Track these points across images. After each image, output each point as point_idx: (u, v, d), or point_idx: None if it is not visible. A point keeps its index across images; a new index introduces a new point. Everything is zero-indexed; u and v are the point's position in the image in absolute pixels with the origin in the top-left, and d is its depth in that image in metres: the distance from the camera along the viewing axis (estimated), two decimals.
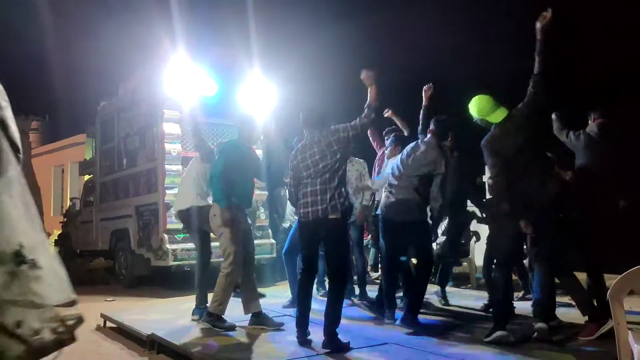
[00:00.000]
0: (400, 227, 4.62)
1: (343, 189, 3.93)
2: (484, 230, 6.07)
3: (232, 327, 4.48)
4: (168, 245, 7.31)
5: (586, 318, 4.21)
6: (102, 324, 5.34)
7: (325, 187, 3.89)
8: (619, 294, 2.64)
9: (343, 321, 3.97)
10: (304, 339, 3.95)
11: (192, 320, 4.90)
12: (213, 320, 4.48)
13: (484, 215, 5.76)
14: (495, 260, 4.52)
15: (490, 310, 4.78)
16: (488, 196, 5.99)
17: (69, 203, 12.86)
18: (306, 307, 4.02)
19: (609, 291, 2.65)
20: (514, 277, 5.44)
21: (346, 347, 3.78)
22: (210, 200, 5.10)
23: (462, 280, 7.25)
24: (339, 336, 3.83)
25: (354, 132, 3.95)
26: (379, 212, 5.07)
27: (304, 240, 4.14)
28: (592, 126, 4.60)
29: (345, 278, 4.11)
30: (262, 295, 6.18)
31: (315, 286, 5.54)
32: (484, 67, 12.72)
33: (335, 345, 3.76)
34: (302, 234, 4.15)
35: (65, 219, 11.59)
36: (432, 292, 5.96)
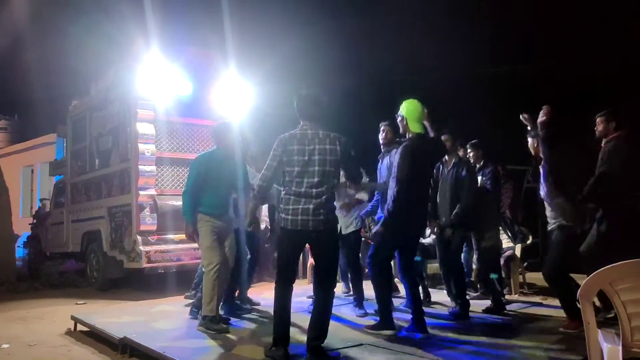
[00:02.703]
0: None
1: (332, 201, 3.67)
2: None
3: (225, 330, 4.42)
4: (141, 247, 7.20)
5: None
6: (72, 328, 5.24)
7: (325, 195, 3.55)
8: (588, 293, 2.70)
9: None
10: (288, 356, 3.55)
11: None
12: (206, 322, 4.47)
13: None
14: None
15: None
16: None
17: (38, 204, 12.57)
18: (288, 320, 3.64)
19: (578, 291, 2.70)
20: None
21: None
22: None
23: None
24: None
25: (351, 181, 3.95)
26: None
27: (290, 249, 3.70)
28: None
29: (335, 283, 3.79)
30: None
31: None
32: (464, 71, 12.88)
33: None
34: (288, 243, 3.68)
35: (34, 221, 11.33)
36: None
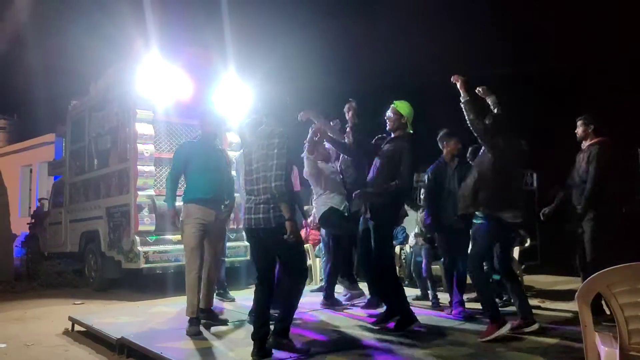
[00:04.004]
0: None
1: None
2: None
3: (196, 333, 4.38)
4: (140, 248, 7.18)
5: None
6: (70, 328, 5.23)
7: (264, 194, 3.63)
8: (586, 296, 2.70)
9: (316, 325, 3.95)
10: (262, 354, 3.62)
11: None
12: (188, 324, 4.46)
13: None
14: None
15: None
16: None
17: (37, 204, 12.56)
18: (264, 322, 3.74)
19: (576, 293, 2.70)
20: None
21: (297, 350, 3.66)
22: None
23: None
24: (298, 338, 3.78)
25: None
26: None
27: (253, 249, 3.86)
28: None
29: (305, 272, 3.92)
30: (232, 299, 6.15)
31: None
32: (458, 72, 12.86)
33: (282, 345, 3.63)
34: (250, 242, 3.90)
35: (33, 220, 11.31)
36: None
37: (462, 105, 4.35)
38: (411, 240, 7.66)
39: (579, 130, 5.12)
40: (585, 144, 5.08)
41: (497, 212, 4.22)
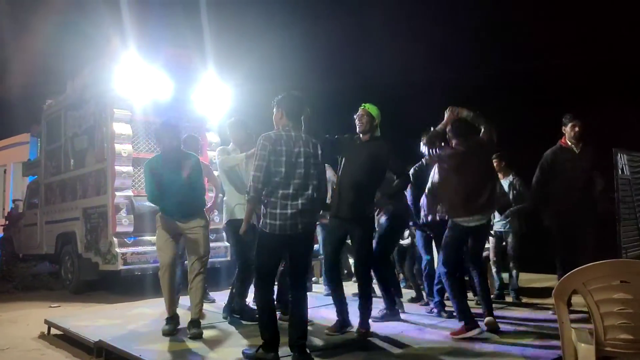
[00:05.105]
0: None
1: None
2: None
3: (170, 333, 4.38)
4: (117, 249, 7.09)
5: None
6: (46, 331, 5.14)
7: (310, 198, 3.58)
8: (562, 293, 2.75)
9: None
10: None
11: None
12: (164, 323, 4.47)
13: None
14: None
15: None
16: None
17: (11, 205, 12.33)
18: (275, 322, 3.65)
19: (553, 291, 2.75)
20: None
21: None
22: None
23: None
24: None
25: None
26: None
27: (275, 254, 3.67)
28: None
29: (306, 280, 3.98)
30: (212, 300, 6.11)
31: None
32: (443, 74, 12.99)
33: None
34: (274, 247, 3.60)
35: (7, 222, 11.13)
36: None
37: (431, 129, 4.55)
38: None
39: (579, 130, 5.01)
40: (578, 145, 5.02)
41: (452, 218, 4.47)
